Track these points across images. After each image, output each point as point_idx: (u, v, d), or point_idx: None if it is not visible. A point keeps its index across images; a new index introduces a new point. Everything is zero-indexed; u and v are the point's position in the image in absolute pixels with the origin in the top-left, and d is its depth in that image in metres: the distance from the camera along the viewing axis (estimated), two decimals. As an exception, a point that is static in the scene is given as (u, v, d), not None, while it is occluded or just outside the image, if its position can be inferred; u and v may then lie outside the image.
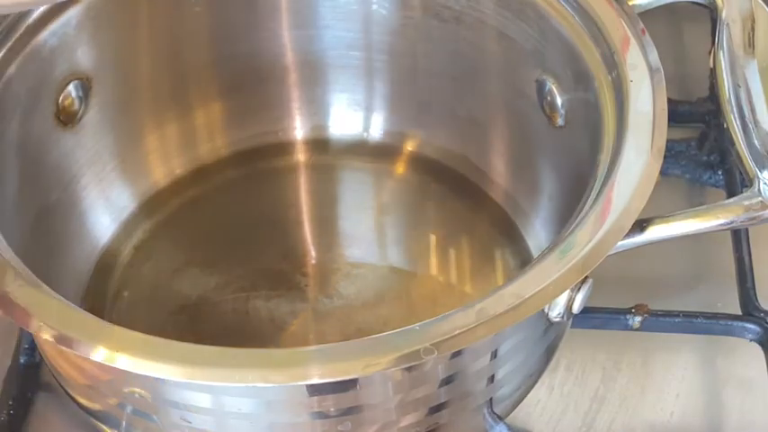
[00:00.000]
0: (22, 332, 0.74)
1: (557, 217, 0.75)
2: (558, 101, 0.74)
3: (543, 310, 0.58)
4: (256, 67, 0.84)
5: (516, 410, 0.70)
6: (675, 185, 0.87)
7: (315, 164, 0.87)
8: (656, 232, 0.61)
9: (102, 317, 0.56)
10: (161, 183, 0.84)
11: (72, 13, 0.73)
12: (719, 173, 0.87)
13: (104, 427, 0.66)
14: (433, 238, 0.82)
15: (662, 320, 0.73)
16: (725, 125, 0.66)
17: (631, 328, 0.73)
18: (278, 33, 0.83)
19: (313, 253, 0.81)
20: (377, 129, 0.87)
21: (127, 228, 0.81)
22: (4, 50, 0.69)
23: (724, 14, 0.70)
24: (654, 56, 0.67)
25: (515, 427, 0.69)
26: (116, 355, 0.53)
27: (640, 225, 0.60)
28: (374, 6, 0.82)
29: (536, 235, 0.79)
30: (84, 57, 0.75)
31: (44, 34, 0.71)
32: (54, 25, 0.72)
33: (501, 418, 0.67)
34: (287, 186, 0.86)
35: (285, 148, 0.87)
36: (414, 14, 0.81)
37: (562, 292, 0.57)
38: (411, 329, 0.54)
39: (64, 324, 0.54)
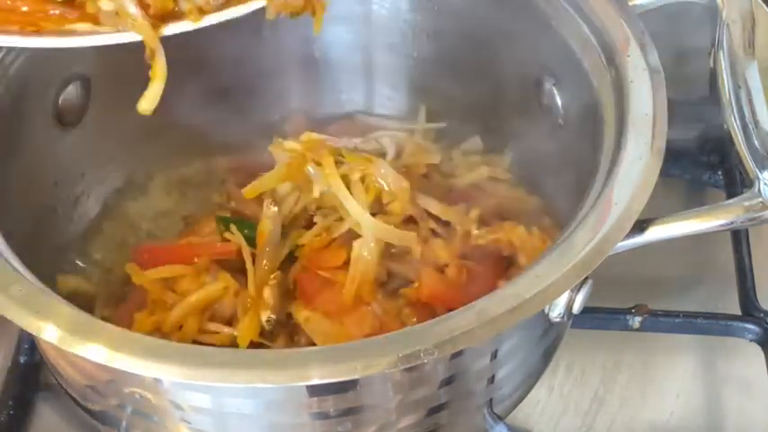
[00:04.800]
0: (22, 332, 0.74)
1: (556, 216, 0.75)
2: (558, 101, 0.74)
3: (543, 311, 0.58)
4: (256, 67, 0.84)
5: (516, 410, 0.70)
6: (675, 185, 0.87)
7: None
8: (656, 233, 0.61)
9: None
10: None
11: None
12: (719, 173, 0.87)
13: (104, 427, 0.66)
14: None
15: (662, 320, 0.73)
16: (725, 125, 0.66)
17: (631, 328, 0.73)
18: (278, 33, 0.83)
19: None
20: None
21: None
22: (4, 51, 0.69)
23: (724, 14, 0.70)
24: (654, 56, 0.67)
25: (515, 427, 0.69)
26: (116, 355, 0.53)
27: (640, 226, 0.60)
28: (374, 6, 0.82)
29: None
30: (83, 57, 0.75)
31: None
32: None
33: (501, 418, 0.67)
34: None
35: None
36: (413, 14, 0.81)
37: (562, 293, 0.57)
38: (411, 330, 0.54)
39: (64, 324, 0.54)
